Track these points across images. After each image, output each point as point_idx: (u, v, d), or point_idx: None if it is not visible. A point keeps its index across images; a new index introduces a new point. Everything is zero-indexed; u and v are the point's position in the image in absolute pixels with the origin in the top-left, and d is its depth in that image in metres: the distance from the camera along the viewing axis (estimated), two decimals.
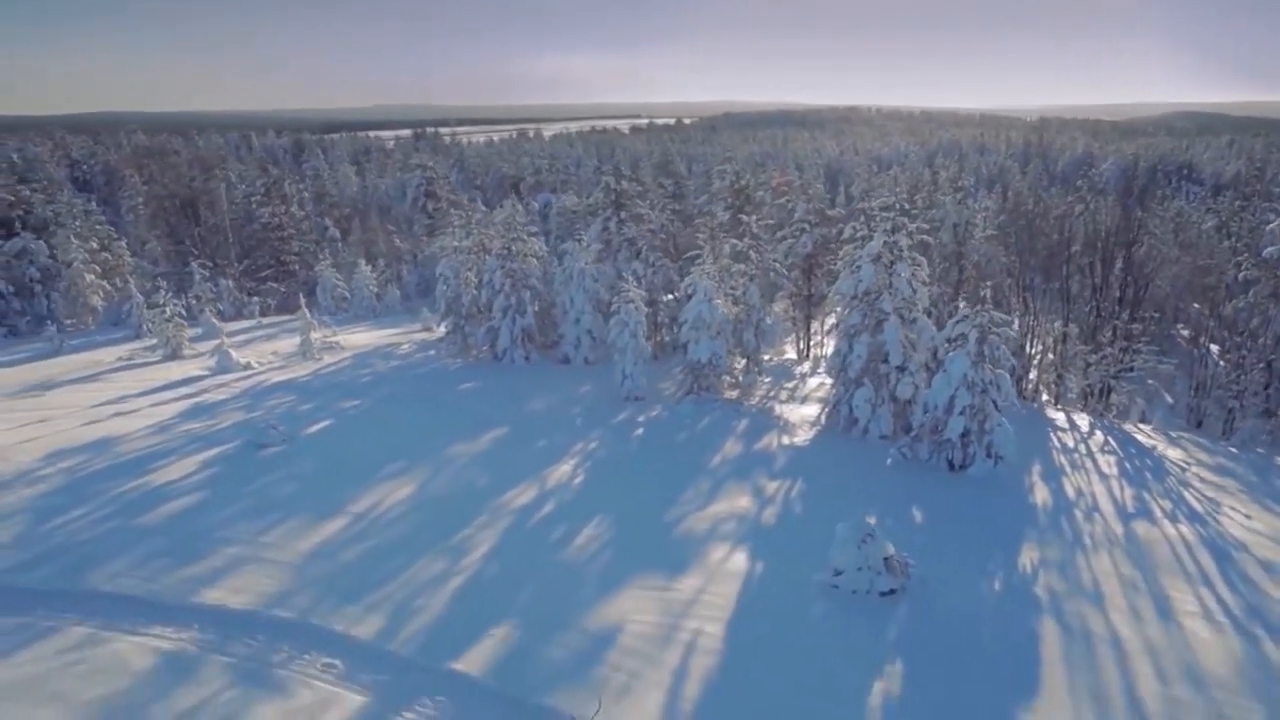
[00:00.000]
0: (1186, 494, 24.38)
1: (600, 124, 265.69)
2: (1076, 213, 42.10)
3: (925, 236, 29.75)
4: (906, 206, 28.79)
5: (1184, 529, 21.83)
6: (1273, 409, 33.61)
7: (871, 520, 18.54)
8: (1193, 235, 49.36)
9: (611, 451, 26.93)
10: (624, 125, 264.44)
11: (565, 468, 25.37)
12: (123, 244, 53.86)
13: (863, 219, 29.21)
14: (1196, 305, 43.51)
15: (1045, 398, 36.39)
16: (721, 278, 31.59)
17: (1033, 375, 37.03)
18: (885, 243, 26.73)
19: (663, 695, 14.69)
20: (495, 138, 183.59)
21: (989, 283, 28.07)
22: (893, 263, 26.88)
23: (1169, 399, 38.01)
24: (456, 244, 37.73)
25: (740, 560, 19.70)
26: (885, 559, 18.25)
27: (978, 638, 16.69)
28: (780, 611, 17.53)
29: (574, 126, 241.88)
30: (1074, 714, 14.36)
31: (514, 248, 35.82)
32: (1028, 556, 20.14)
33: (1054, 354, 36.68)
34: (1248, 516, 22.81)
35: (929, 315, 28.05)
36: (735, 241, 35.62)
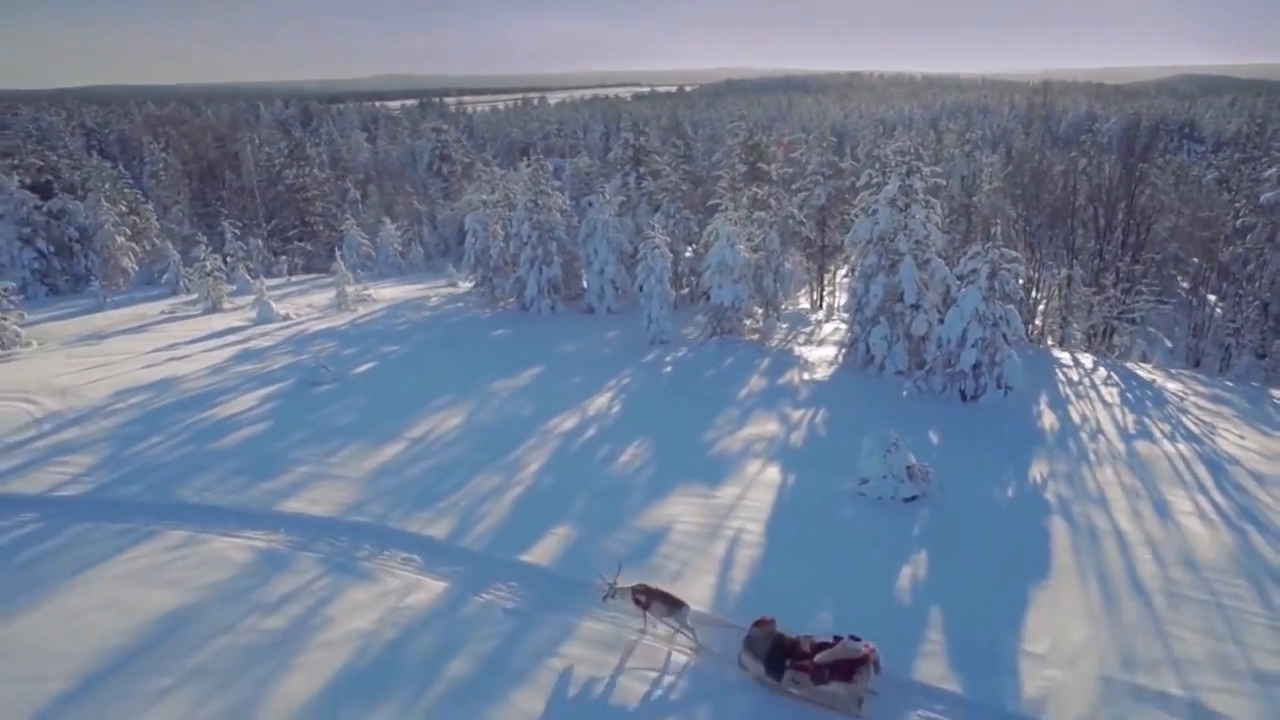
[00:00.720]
0: (1184, 419, 26.03)
1: (602, 92, 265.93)
2: (1080, 168, 43.42)
3: (938, 179, 31.16)
4: (921, 151, 30.15)
5: (1181, 447, 23.52)
6: (1267, 348, 35.23)
7: (894, 435, 20.29)
8: (1193, 189, 50.66)
9: (644, 386, 28.64)
10: (626, 93, 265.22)
11: (602, 399, 27.10)
12: (149, 207, 55.37)
13: (878, 165, 30.68)
14: (1196, 259, 45.01)
15: (1050, 343, 37.96)
16: (742, 224, 33.10)
17: (1038, 321, 38.61)
18: (901, 186, 28.22)
19: (713, 579, 16.47)
20: (500, 105, 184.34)
21: (998, 220, 29.48)
22: (908, 205, 28.38)
23: (1168, 343, 39.59)
24: (485, 198, 39.25)
25: (773, 474, 21.45)
26: (908, 468, 19.98)
27: (995, 533, 18.44)
28: (813, 514, 19.29)
29: (576, 94, 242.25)
30: (1082, 590, 16.08)
31: (540, 200, 37.31)
32: (1037, 469, 21.85)
33: (1059, 298, 38.21)
34: (1241, 437, 24.48)
35: (941, 259, 29.54)
36: (756, 189, 37.13)
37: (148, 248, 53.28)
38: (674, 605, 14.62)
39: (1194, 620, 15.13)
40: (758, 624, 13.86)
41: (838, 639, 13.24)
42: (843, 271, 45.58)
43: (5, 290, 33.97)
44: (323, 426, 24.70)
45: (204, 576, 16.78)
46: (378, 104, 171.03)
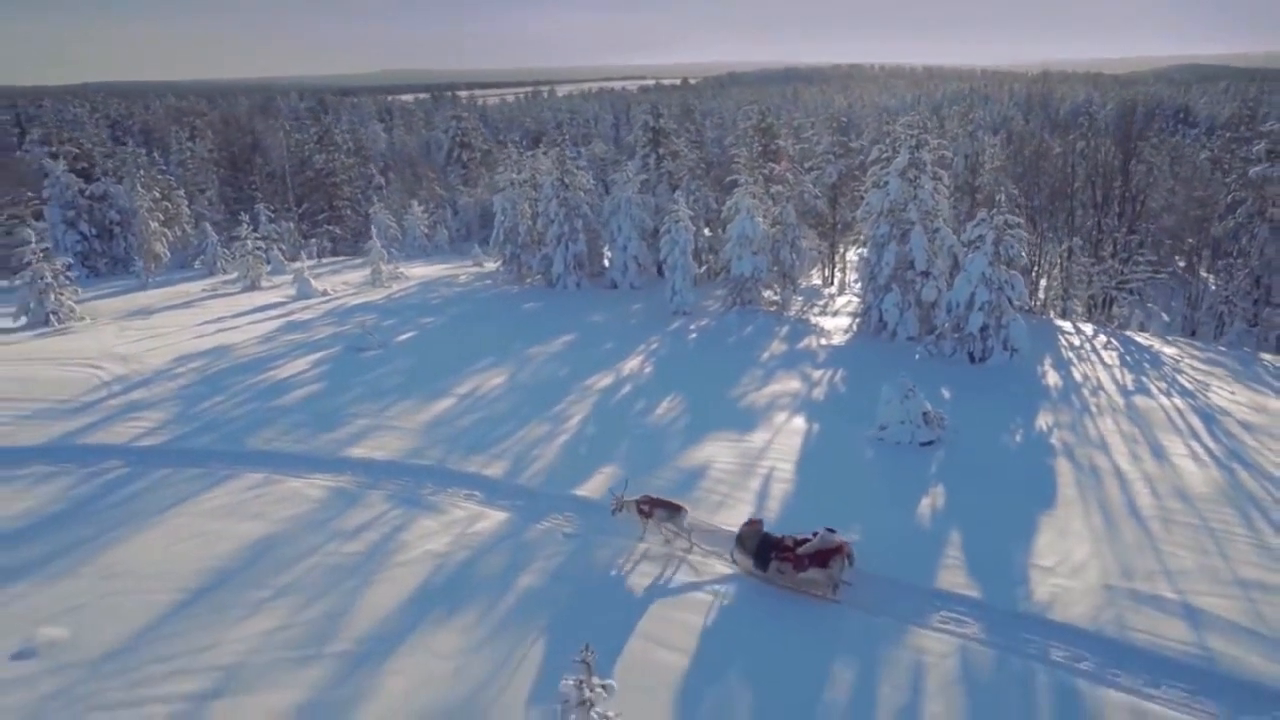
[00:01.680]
0: (1179, 378, 27.68)
1: (608, 85, 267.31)
2: (1078, 149, 44.91)
3: (945, 152, 32.73)
4: (929, 124, 31.72)
5: (1177, 401, 25.18)
6: (1258, 317, 36.87)
7: (910, 382, 21.98)
8: (1187, 169, 52.12)
9: (671, 350, 30.34)
10: (631, 85, 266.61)
11: (634, 362, 28.83)
12: (181, 193, 57.05)
13: (888, 140, 32.30)
14: (1191, 240, 46.53)
15: (1052, 314, 39.59)
16: (760, 198, 34.74)
17: (1041, 294, 40.25)
18: (910, 158, 29.84)
19: (750, 508, 18.15)
20: (509, 98, 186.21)
21: (1001, 190, 31.00)
22: (917, 177, 29.99)
23: (1165, 316, 41.27)
24: (514, 177, 40.89)
25: (799, 422, 23.18)
26: (924, 414, 21.66)
27: (1005, 472, 20.15)
28: (838, 455, 21.04)
29: (582, 87, 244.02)
30: (1085, 517, 17.76)
31: (567, 180, 38.96)
32: (1043, 420, 23.53)
33: (1060, 271, 39.85)
34: (1232, 393, 26.14)
35: (948, 228, 31.15)
36: (773, 165, 38.80)
37: (178, 233, 54.98)
38: (673, 511, 16.77)
39: (1186, 540, 16.78)
40: (747, 525, 15.92)
41: (815, 534, 15.30)
42: (853, 252, 47.34)
43: (63, 267, 35.71)
44: (374, 386, 26.43)
45: (283, 511, 18.47)
46: (389, 97, 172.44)
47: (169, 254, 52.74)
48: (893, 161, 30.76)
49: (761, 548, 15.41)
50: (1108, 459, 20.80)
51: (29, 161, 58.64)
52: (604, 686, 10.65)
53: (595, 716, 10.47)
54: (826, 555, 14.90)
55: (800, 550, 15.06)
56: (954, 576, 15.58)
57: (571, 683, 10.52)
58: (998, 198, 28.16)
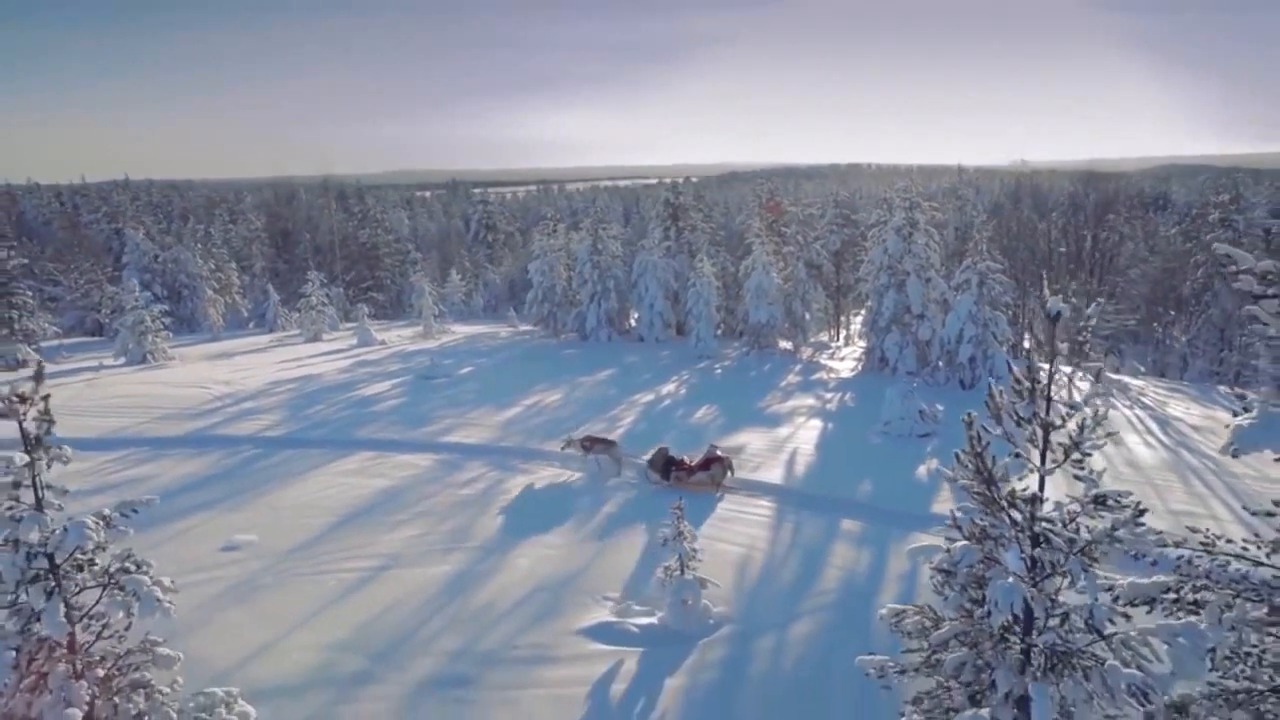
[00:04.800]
0: (1144, 398, 32.18)
1: (611, 184, 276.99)
2: (1060, 225, 50.24)
3: (937, 212, 37.76)
4: (922, 190, 36.73)
5: (1139, 412, 29.65)
6: (1221, 362, 41.59)
7: (910, 385, 26.47)
8: (1162, 244, 57.49)
9: (701, 380, 34.78)
10: (635, 184, 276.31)
11: (670, 386, 33.29)
12: (232, 266, 62.23)
13: (885, 206, 37.42)
14: (1162, 308, 51.50)
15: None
16: (774, 255, 39.69)
17: (1026, 345, 44.90)
18: (906, 218, 34.87)
19: (782, 470, 22.49)
20: (520, 193, 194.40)
21: (987, 234, 35.76)
22: (911, 233, 34.95)
23: (1140, 368, 45.87)
24: (550, 244, 45.93)
25: (816, 422, 27.62)
26: (920, 411, 26.05)
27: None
28: (851, 442, 25.41)
29: (589, 185, 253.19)
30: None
31: (599, 245, 44.02)
32: None
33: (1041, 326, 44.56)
34: (1187, 409, 30.66)
35: (940, 277, 35.94)
36: (784, 229, 43.94)
37: (229, 301, 59.97)
38: (609, 445, 22.64)
39: (1133, 488, 20.97)
40: (657, 451, 21.96)
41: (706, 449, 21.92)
42: (858, 319, 52.13)
43: (160, 314, 40.48)
44: (451, 400, 30.79)
45: (401, 472, 22.72)
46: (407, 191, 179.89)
47: (222, 320, 57.51)
48: (890, 222, 35.76)
49: (666, 465, 21.51)
50: None
51: (94, 236, 64.13)
52: (691, 534, 14.90)
53: (686, 546, 14.67)
54: (709, 462, 21.22)
55: (691, 463, 21.34)
56: (947, 505, 19.68)
57: (668, 528, 14.76)
58: (982, 248, 32.80)
